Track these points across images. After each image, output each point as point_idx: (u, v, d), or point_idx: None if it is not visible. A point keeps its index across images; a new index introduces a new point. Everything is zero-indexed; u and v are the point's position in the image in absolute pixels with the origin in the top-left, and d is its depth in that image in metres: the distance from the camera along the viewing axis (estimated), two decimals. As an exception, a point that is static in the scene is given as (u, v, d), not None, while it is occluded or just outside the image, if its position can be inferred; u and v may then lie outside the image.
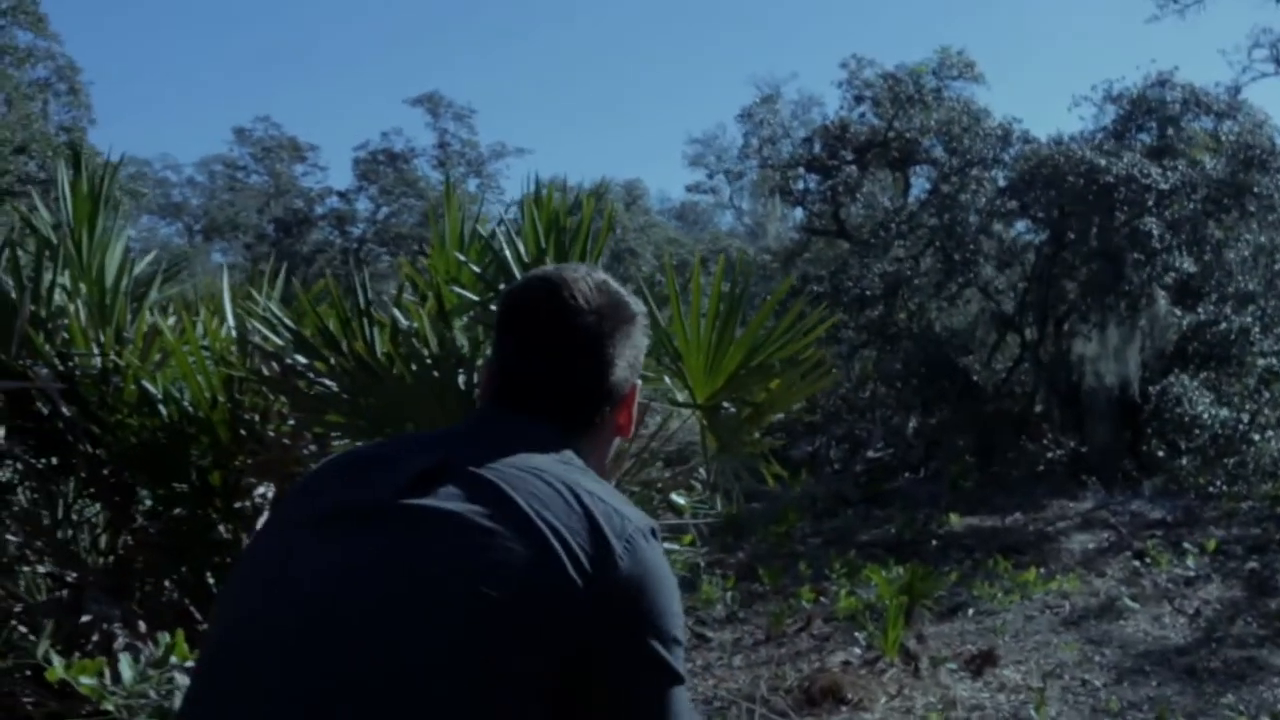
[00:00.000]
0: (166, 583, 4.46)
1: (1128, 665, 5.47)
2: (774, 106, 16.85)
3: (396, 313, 4.33)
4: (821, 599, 6.50)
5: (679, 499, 4.28)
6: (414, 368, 4.12)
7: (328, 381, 4.14)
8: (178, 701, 3.46)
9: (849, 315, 12.39)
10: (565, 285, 1.49)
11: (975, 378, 11.61)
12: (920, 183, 13.82)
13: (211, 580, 4.45)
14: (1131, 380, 10.35)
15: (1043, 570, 7.13)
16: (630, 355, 1.52)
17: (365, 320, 4.26)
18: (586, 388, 1.49)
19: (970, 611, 6.38)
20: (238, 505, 4.49)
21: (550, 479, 1.34)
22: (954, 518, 9.01)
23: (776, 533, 8.66)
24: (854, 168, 13.10)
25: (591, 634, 1.27)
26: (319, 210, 22.30)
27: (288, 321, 4.19)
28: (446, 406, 4.07)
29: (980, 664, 5.34)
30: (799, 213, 15.43)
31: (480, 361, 4.48)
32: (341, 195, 23.34)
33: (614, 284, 1.54)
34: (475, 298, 4.26)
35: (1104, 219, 10.64)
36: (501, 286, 4.41)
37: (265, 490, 4.49)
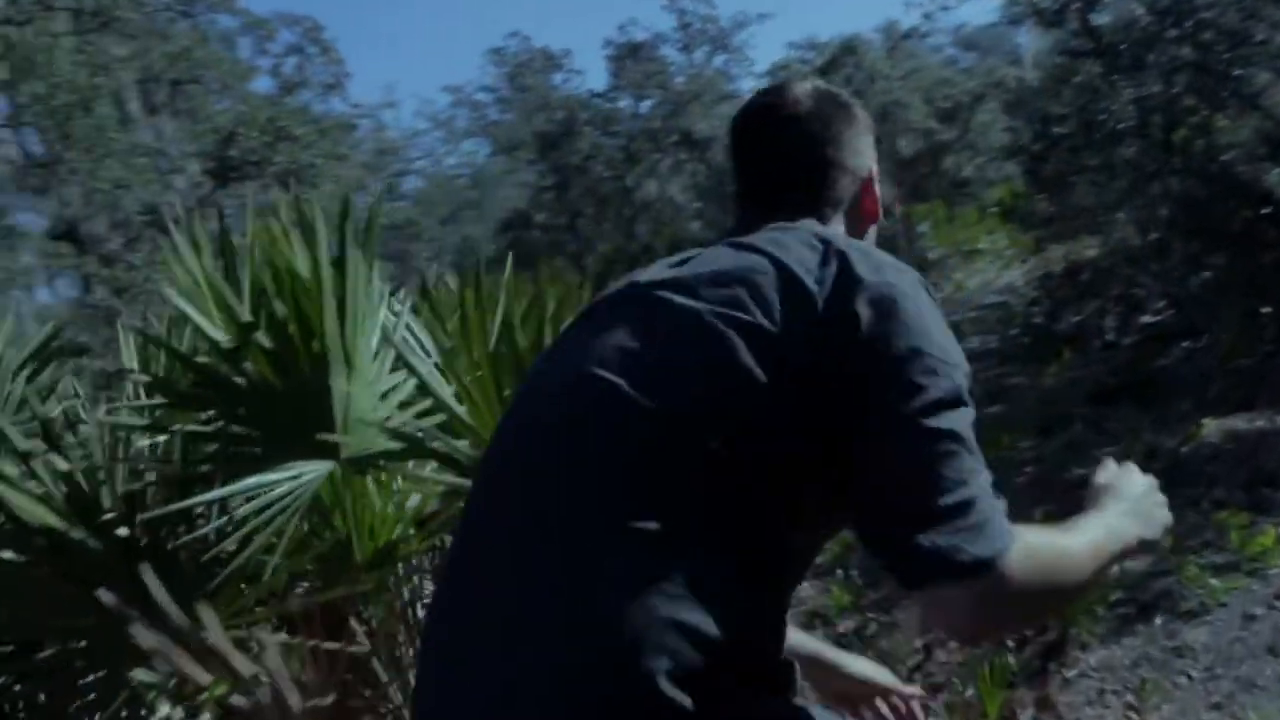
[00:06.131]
0: None
1: None
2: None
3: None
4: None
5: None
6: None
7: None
8: None
9: (1101, 155, 10.65)
10: (773, 92, 1.63)
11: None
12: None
13: None
14: None
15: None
16: (857, 143, 1.58)
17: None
18: (817, 166, 1.55)
19: (1157, 620, 4.82)
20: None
21: (800, 235, 1.37)
22: (1208, 423, 7.40)
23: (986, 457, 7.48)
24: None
25: (844, 376, 1.23)
26: (584, 116, 21.69)
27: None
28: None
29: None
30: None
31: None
32: (600, 96, 22.51)
33: (826, 86, 1.66)
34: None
35: None
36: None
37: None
